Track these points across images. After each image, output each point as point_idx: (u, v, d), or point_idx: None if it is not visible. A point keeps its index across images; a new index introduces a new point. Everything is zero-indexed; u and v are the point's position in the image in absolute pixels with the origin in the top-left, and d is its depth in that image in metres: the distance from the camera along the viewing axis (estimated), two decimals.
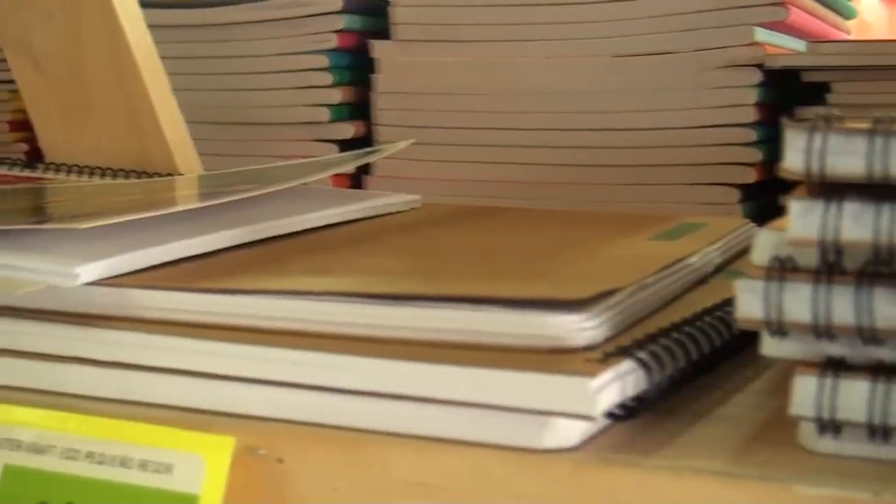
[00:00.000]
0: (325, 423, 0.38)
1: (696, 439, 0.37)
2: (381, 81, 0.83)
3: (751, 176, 0.73)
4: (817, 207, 0.32)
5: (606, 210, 0.73)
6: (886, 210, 0.31)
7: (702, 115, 0.74)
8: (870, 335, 0.32)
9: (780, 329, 0.34)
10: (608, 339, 0.38)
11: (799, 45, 0.78)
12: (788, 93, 0.75)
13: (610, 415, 0.36)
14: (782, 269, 0.33)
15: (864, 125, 0.31)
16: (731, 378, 0.43)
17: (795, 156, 0.32)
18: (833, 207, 0.32)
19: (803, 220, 0.32)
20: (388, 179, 0.82)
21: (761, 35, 0.74)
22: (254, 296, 0.40)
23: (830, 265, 0.33)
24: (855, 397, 0.33)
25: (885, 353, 0.33)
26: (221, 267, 0.45)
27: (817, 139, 0.32)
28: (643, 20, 0.76)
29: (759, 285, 0.34)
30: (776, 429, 0.36)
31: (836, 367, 0.33)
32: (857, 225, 0.32)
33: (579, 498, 0.34)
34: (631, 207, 0.74)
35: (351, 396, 0.37)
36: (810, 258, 0.33)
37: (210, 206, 0.52)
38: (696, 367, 0.39)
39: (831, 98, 0.73)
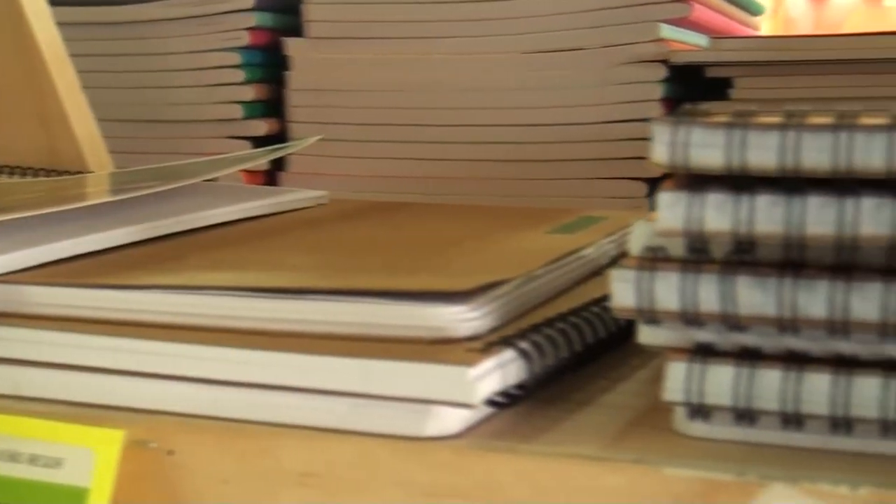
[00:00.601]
0: (215, 416, 0.38)
1: (576, 426, 0.38)
2: (295, 79, 0.83)
3: (657, 170, 0.74)
4: (683, 198, 0.33)
5: (515, 205, 0.74)
6: (745, 200, 0.33)
7: (609, 110, 0.76)
8: (734, 322, 0.34)
9: (653, 317, 0.35)
10: (493, 330, 0.39)
11: (704, 41, 0.79)
12: (693, 88, 0.77)
13: (492, 402, 0.37)
14: (653, 259, 0.35)
15: (725, 119, 0.33)
16: (618, 367, 0.44)
17: (662, 149, 0.34)
18: (697, 198, 0.33)
19: (670, 211, 0.34)
20: (303, 176, 0.82)
21: (666, 31, 0.75)
22: (145, 291, 0.40)
23: (698, 254, 0.34)
24: (721, 382, 0.34)
25: (749, 339, 0.34)
26: (118, 263, 0.45)
27: (681, 133, 0.33)
28: (553, 17, 0.78)
29: (631, 275, 0.35)
30: (654, 415, 0.37)
31: (704, 353, 0.35)
32: (719, 215, 0.33)
33: (458, 483, 0.35)
34: (541, 202, 0.75)
35: (241, 389, 0.38)
36: (681, 248, 0.35)
37: (113, 202, 0.52)
38: (580, 356, 0.40)
39: (734, 93, 0.75)
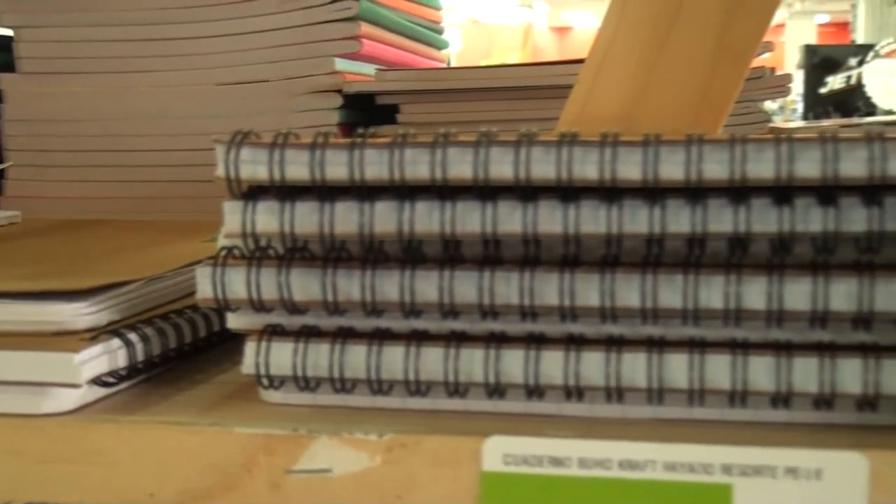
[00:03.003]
0: None
1: (183, 400, 0.42)
2: (9, 111, 0.85)
3: None
4: (239, 206, 0.38)
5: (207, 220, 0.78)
6: (288, 206, 0.38)
7: None
8: (291, 306, 0.39)
9: (227, 305, 0.39)
10: (112, 323, 0.43)
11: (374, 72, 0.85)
12: (367, 113, 0.82)
13: (104, 383, 0.41)
14: (225, 257, 0.39)
15: (268, 140, 0.38)
16: None
17: (220, 165, 0.38)
18: (250, 205, 0.38)
19: (231, 217, 0.38)
20: (21, 200, 0.84)
21: (340, 65, 0.80)
22: None
23: (263, 251, 0.39)
24: (283, 356, 0.39)
25: (308, 320, 0.39)
26: None
27: (232, 151, 0.38)
28: (241, 53, 0.82)
29: (209, 270, 0.39)
30: (250, 389, 0.42)
31: (270, 333, 0.40)
32: (268, 219, 0.38)
33: (66, 450, 0.39)
34: None
35: None
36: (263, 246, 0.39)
37: None
38: (194, 344, 0.45)
39: (401, 118, 0.81)
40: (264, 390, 0.41)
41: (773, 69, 0.81)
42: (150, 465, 0.38)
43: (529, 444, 0.37)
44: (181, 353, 0.44)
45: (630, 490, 0.36)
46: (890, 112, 4.17)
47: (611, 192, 0.36)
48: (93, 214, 0.82)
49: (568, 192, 0.37)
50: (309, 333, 0.39)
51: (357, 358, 0.39)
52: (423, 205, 0.37)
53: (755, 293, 0.36)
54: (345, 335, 0.39)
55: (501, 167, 0.36)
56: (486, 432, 0.37)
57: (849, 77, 4.98)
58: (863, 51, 5.09)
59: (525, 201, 0.37)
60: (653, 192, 0.36)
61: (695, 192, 0.36)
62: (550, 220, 0.37)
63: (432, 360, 0.38)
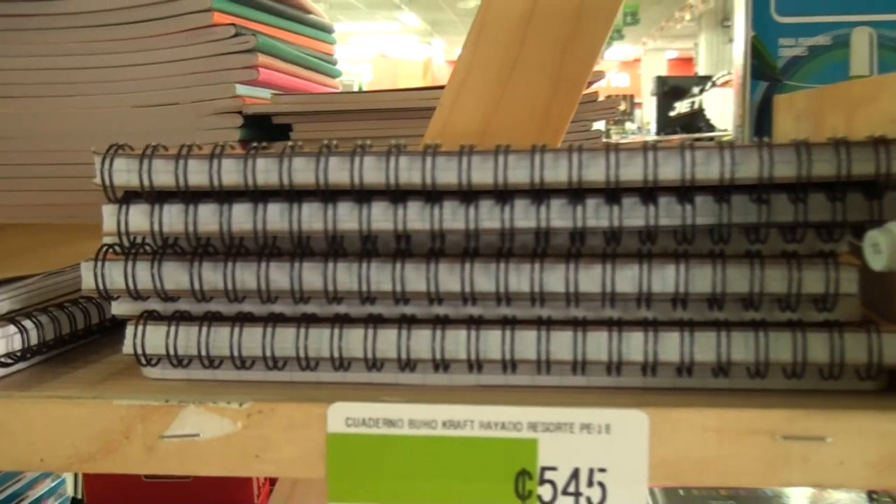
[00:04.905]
0: None
1: (74, 377, 0.41)
2: None
3: None
4: (114, 209, 0.37)
5: None
6: (157, 209, 0.37)
7: None
8: (164, 294, 0.38)
9: (108, 295, 0.38)
10: (13, 311, 0.41)
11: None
12: (264, 131, 0.81)
13: (1, 364, 0.39)
14: (105, 253, 0.38)
15: (139, 151, 0.37)
16: None
17: (97, 174, 0.37)
18: (124, 208, 0.37)
19: (108, 218, 0.37)
20: None
21: (241, 90, 0.79)
22: None
23: (138, 247, 0.38)
24: (157, 338, 0.38)
25: (179, 306, 0.39)
26: None
27: (106, 161, 0.37)
28: (155, 79, 0.80)
29: (91, 265, 0.38)
30: (138, 367, 0.41)
31: (146, 318, 0.39)
32: (140, 219, 0.37)
33: None
34: None
35: None
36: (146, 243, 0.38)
37: None
38: (88, 329, 0.43)
39: (294, 135, 0.80)
40: (144, 368, 0.40)
41: (632, 96, 0.82)
42: (40, 434, 0.37)
43: (367, 408, 0.36)
44: (75, 337, 0.43)
45: (452, 445, 0.36)
46: (724, 131, 4.26)
47: (432, 195, 0.36)
48: (21, 219, 0.79)
49: (396, 194, 0.36)
50: (180, 318, 0.38)
51: (222, 338, 0.38)
52: (274, 207, 0.37)
53: (556, 278, 0.37)
54: (211, 319, 0.38)
55: (340, 174, 0.36)
56: (332, 400, 0.37)
57: (693, 102, 5.08)
58: (703, 81, 5.20)
59: (361, 203, 0.36)
60: (468, 195, 0.36)
61: (503, 194, 0.36)
62: (383, 218, 0.36)
63: (287, 339, 0.38)
